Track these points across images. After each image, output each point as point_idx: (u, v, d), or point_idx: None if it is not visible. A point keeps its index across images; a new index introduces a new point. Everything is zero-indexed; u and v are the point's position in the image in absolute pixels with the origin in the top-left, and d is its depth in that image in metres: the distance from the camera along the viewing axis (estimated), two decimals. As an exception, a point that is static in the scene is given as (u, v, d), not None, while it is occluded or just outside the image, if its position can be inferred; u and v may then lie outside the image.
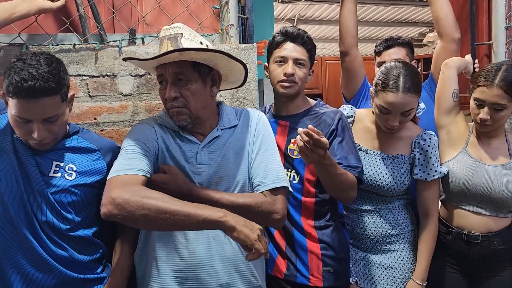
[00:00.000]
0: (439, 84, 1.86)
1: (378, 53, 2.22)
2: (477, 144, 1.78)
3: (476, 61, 2.08)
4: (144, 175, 1.20)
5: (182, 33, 1.29)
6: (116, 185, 1.14)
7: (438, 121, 1.84)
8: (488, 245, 1.70)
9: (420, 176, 1.69)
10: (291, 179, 1.61)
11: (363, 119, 1.82)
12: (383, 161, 1.72)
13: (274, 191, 1.30)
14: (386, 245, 1.72)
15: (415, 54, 2.25)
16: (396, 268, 1.71)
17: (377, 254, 1.74)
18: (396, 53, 2.17)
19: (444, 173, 1.71)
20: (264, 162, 1.35)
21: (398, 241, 1.72)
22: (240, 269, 1.31)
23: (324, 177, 1.46)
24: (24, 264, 1.26)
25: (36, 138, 1.23)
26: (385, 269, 1.72)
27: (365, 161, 1.74)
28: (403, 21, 6.42)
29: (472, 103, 1.72)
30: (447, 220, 1.78)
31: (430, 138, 1.70)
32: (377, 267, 1.73)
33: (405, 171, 1.70)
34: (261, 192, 1.30)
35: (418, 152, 1.69)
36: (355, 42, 2.07)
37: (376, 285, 1.72)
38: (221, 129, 1.38)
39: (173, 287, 1.28)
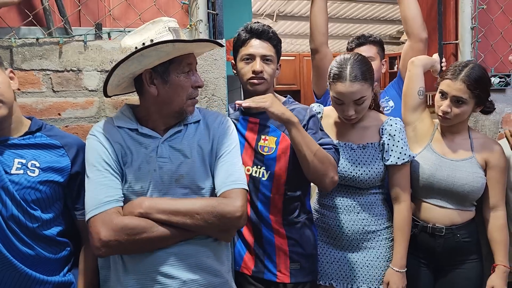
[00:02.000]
0: (406, 82, 1.89)
1: (350, 50, 2.25)
2: (441, 140, 1.83)
3: (443, 59, 2.12)
4: (120, 205, 1.26)
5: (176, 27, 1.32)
6: (102, 225, 1.21)
7: (405, 118, 1.88)
8: (452, 237, 1.75)
9: (391, 161, 1.71)
10: (260, 175, 1.62)
11: (330, 115, 1.85)
12: (354, 151, 1.74)
13: (234, 192, 1.31)
14: (362, 243, 1.74)
15: (392, 52, 2.28)
16: (372, 267, 1.72)
17: (353, 253, 1.75)
18: (368, 50, 2.20)
19: (413, 157, 1.73)
20: (226, 164, 1.35)
21: (374, 238, 1.73)
22: (205, 265, 1.31)
23: (301, 154, 1.48)
24: None
25: None
26: (361, 268, 1.73)
27: None
28: (381, 19, 6.50)
29: (437, 95, 1.77)
30: (414, 214, 1.83)
31: (396, 123, 1.73)
32: (353, 267, 1.74)
33: (377, 159, 1.72)
34: (221, 193, 1.31)
35: (386, 137, 1.72)
36: (325, 40, 2.09)
37: (352, 285, 1.74)
38: (183, 124, 1.38)
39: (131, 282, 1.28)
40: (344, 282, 1.75)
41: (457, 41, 2.18)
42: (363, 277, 1.73)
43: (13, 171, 1.29)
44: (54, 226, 1.35)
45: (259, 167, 1.63)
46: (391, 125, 1.73)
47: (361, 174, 1.71)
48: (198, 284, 1.28)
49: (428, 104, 1.97)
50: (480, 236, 1.83)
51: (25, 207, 1.28)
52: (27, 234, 1.29)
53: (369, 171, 1.71)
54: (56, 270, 1.36)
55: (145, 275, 1.26)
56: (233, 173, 1.34)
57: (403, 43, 6.88)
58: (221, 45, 1.37)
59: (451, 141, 1.82)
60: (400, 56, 2.25)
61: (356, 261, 1.74)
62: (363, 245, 1.74)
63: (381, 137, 1.73)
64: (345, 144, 1.77)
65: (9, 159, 1.30)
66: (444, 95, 1.74)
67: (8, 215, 1.26)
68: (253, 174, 1.63)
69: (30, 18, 1.58)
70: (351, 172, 1.72)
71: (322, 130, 1.65)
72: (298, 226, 1.65)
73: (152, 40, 1.25)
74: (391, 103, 2.17)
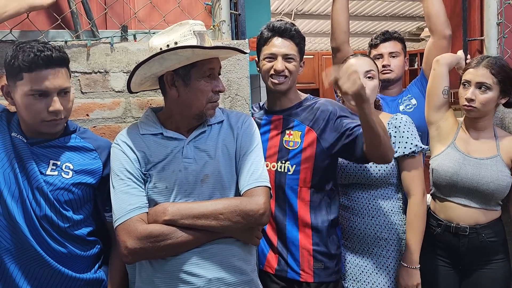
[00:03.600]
0: (430, 80, 1.88)
1: (374, 45, 2.23)
2: (465, 138, 1.81)
3: (468, 56, 2.09)
4: (144, 212, 1.28)
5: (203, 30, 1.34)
6: (127, 234, 1.24)
7: (428, 117, 1.87)
8: (477, 237, 1.72)
9: (398, 153, 1.70)
10: (286, 170, 1.63)
11: None
12: None
13: (257, 190, 1.32)
14: (373, 249, 1.72)
15: (412, 49, 2.27)
16: (381, 275, 1.71)
17: (363, 257, 1.74)
18: (393, 46, 2.19)
19: (423, 148, 1.71)
20: (249, 163, 1.36)
21: (386, 246, 1.72)
22: (230, 264, 1.32)
23: (374, 131, 1.41)
24: (25, 260, 1.28)
25: (55, 109, 1.27)
26: (370, 274, 1.72)
27: None
28: (401, 15, 6.41)
29: (460, 89, 1.76)
30: (437, 213, 1.81)
31: (402, 118, 1.74)
32: (362, 271, 1.73)
33: None
34: (245, 192, 1.32)
35: (392, 130, 1.72)
36: (347, 38, 2.08)
37: None
38: (207, 125, 1.39)
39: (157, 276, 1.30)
40: (353, 284, 1.74)
41: (482, 38, 2.15)
42: (372, 283, 1.71)
43: (48, 172, 1.33)
44: (84, 227, 1.39)
45: (283, 161, 1.64)
46: (396, 118, 1.73)
47: (370, 167, 1.71)
48: (224, 282, 1.29)
49: (451, 101, 1.95)
50: (507, 235, 1.80)
51: (58, 207, 1.32)
52: (59, 233, 1.33)
53: (378, 164, 1.70)
54: (87, 267, 1.39)
55: (171, 275, 1.28)
56: (255, 171, 1.35)
57: (423, 39, 6.78)
58: (244, 52, 1.37)
59: (475, 139, 1.80)
60: (420, 53, 2.23)
61: (366, 266, 1.73)
62: (373, 251, 1.73)
63: (389, 132, 1.72)
64: None
65: (45, 160, 1.34)
66: (467, 84, 1.73)
67: (42, 214, 1.30)
68: (279, 169, 1.65)
69: (58, 22, 1.62)
70: (361, 167, 1.72)
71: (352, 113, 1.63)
72: (324, 225, 1.65)
73: (176, 43, 1.28)
74: (413, 101, 2.15)
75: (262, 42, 1.68)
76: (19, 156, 1.31)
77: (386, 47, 2.17)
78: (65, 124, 1.42)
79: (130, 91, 1.40)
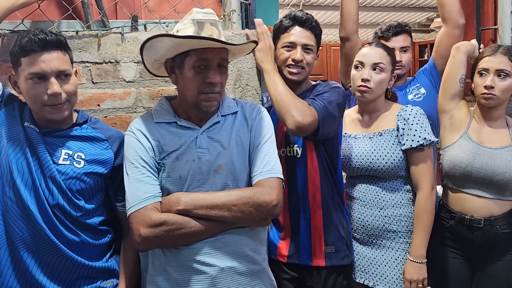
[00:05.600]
0: (448, 68, 1.85)
1: (385, 38, 2.20)
2: (478, 128, 1.78)
3: (482, 46, 2.06)
4: (158, 201, 1.28)
5: (218, 20, 1.33)
6: (141, 222, 1.24)
7: (442, 106, 1.85)
8: (491, 229, 1.70)
9: (406, 146, 1.68)
10: (295, 153, 1.65)
11: (350, 114, 1.89)
12: (371, 140, 1.74)
13: (269, 181, 1.32)
14: (381, 240, 1.72)
15: (422, 40, 2.24)
16: (390, 267, 1.70)
17: (371, 249, 1.74)
18: (404, 40, 2.17)
19: (432, 141, 1.69)
20: (262, 154, 1.36)
21: (394, 238, 1.71)
22: (242, 253, 1.32)
23: (270, 94, 1.59)
24: (38, 248, 1.30)
25: (53, 91, 1.27)
26: (379, 266, 1.72)
27: (356, 146, 1.77)
28: (410, 6, 6.34)
29: (476, 78, 1.74)
30: (450, 205, 1.79)
31: (411, 109, 1.71)
32: (370, 263, 1.73)
33: (393, 144, 1.71)
34: (257, 182, 1.32)
35: (401, 122, 1.70)
36: (356, 27, 2.06)
37: (368, 281, 1.73)
38: (221, 115, 1.39)
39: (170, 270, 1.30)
40: (361, 275, 1.75)
41: (496, 26, 2.12)
42: (381, 275, 1.71)
43: (60, 162, 1.33)
44: (96, 216, 1.40)
45: (291, 146, 1.66)
46: (406, 110, 1.71)
47: (378, 159, 1.70)
48: (236, 271, 1.30)
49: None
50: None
51: (70, 196, 1.33)
52: (71, 222, 1.34)
53: (385, 156, 1.69)
54: (99, 255, 1.40)
55: (184, 264, 1.28)
56: (268, 162, 1.35)
57: (433, 30, 6.71)
58: (233, 45, 1.33)
59: (488, 128, 1.77)
60: (430, 44, 2.21)
61: (374, 258, 1.72)
62: (381, 243, 1.72)
63: (397, 123, 1.71)
64: (363, 135, 1.78)
65: (57, 149, 1.35)
66: (484, 72, 1.70)
67: (55, 203, 1.31)
68: (288, 154, 1.66)
69: (69, 12, 1.62)
70: (368, 159, 1.72)
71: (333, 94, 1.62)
72: (333, 207, 1.66)
73: (178, 31, 1.30)
74: (422, 91, 2.12)
75: (281, 30, 1.67)
76: (32, 146, 1.32)
77: (398, 41, 2.13)
78: (76, 114, 1.43)
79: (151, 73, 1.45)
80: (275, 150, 1.40)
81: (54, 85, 1.28)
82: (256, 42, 1.38)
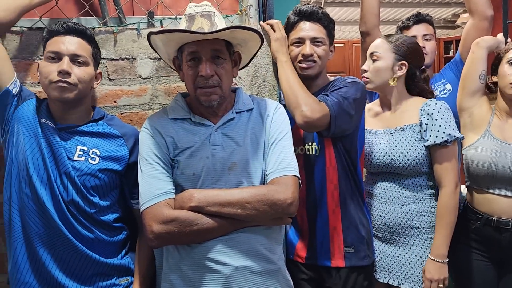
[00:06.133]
0: (467, 64, 1.78)
1: (406, 28, 2.13)
2: (500, 125, 1.71)
3: (509, 40, 1.98)
4: (171, 197, 1.27)
5: (214, 12, 1.31)
6: (153, 218, 1.23)
7: (461, 103, 1.78)
8: None
9: (429, 142, 1.62)
10: (313, 152, 1.61)
11: (372, 108, 1.84)
12: (393, 135, 1.69)
13: (285, 178, 1.28)
14: (404, 238, 1.67)
15: (447, 36, 2.17)
16: (414, 265, 1.65)
17: (394, 247, 1.69)
18: (426, 29, 2.10)
19: (457, 137, 1.61)
20: (278, 151, 1.33)
21: (418, 235, 1.65)
22: (257, 252, 1.30)
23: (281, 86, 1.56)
24: (54, 244, 1.31)
25: (62, 68, 1.29)
26: (403, 264, 1.66)
27: (377, 142, 1.72)
28: (435, 2, 6.18)
29: (506, 68, 1.67)
30: (475, 206, 1.72)
31: (436, 104, 1.65)
32: (394, 261, 1.68)
33: (415, 140, 1.65)
34: (272, 179, 1.29)
35: (424, 117, 1.64)
36: (377, 22, 2.01)
37: (393, 280, 1.68)
38: (236, 112, 1.37)
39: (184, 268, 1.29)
40: (385, 275, 1.70)
41: (525, 19, 2.03)
42: (405, 274, 1.65)
43: (75, 158, 1.34)
44: (111, 213, 1.40)
45: (310, 143, 1.62)
46: (430, 104, 1.65)
47: (399, 156, 1.64)
48: (250, 270, 1.27)
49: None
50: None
51: (84, 193, 1.33)
52: (86, 218, 1.34)
53: (407, 153, 1.64)
54: (114, 252, 1.40)
55: (197, 262, 1.27)
56: (284, 160, 1.32)
57: (459, 26, 6.53)
58: (195, 33, 1.24)
59: (511, 124, 1.70)
60: (456, 41, 2.13)
61: (398, 256, 1.67)
62: (405, 240, 1.67)
63: (420, 118, 1.65)
64: (383, 130, 1.73)
65: (72, 146, 1.35)
66: None
67: (69, 199, 1.31)
68: (307, 152, 1.62)
69: (86, 9, 1.62)
70: (389, 156, 1.66)
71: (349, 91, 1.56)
72: (353, 205, 1.61)
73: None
74: (448, 87, 2.05)
75: (289, 27, 1.64)
76: (48, 142, 1.32)
77: (419, 30, 2.07)
78: (93, 111, 1.43)
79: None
80: (291, 148, 1.37)
81: (65, 64, 1.30)
82: (255, 31, 1.31)
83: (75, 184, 1.32)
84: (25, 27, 1.55)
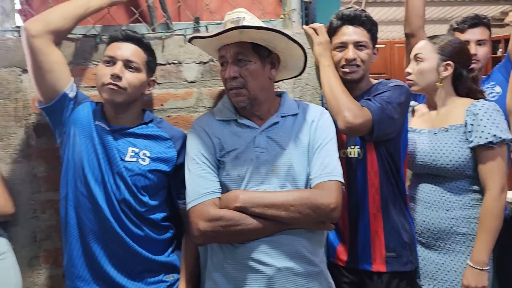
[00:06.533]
0: None
1: (460, 30, 2.07)
2: None
3: None
4: (217, 197, 1.31)
5: (244, 17, 1.33)
6: (199, 216, 1.27)
7: (511, 105, 1.72)
8: None
9: (474, 143, 1.56)
10: (356, 155, 1.61)
11: (419, 108, 1.82)
12: (436, 135, 1.66)
13: (329, 184, 1.29)
14: (450, 244, 1.62)
15: (496, 35, 2.09)
16: (461, 273, 1.59)
17: (439, 253, 1.64)
18: (481, 33, 2.03)
19: (504, 139, 1.54)
20: (322, 156, 1.34)
21: (465, 242, 1.60)
22: (300, 254, 1.31)
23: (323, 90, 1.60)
24: (106, 240, 1.38)
25: (114, 72, 1.36)
26: (448, 271, 1.62)
27: (420, 141, 1.70)
28: (482, -1, 5.97)
29: None
30: None
31: (483, 104, 1.59)
32: (439, 269, 1.63)
33: (459, 141, 1.60)
34: (316, 184, 1.30)
35: (470, 117, 1.59)
36: (422, 23, 1.97)
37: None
38: (281, 116, 1.39)
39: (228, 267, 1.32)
40: (429, 282, 1.65)
41: None
42: (451, 282, 1.60)
43: (127, 158, 1.40)
44: (159, 212, 1.45)
45: (352, 147, 1.62)
46: (476, 105, 1.60)
47: (441, 157, 1.61)
48: (293, 272, 1.29)
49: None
50: None
51: (135, 192, 1.39)
52: (136, 217, 1.40)
53: (450, 154, 1.59)
54: (161, 250, 1.46)
55: (241, 262, 1.30)
56: (328, 165, 1.33)
57: (507, 25, 6.25)
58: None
59: None
60: (505, 40, 2.04)
61: (443, 263, 1.63)
62: (450, 246, 1.62)
63: (465, 119, 1.61)
64: (428, 130, 1.70)
65: (124, 147, 1.42)
66: None
67: (121, 198, 1.38)
68: (349, 155, 1.63)
69: (136, 16, 1.69)
70: (431, 156, 1.63)
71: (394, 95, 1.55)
72: (395, 210, 1.59)
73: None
74: (497, 89, 1.98)
75: (331, 31, 1.65)
76: (102, 143, 1.40)
77: (474, 34, 2.00)
78: (143, 114, 1.49)
79: None
80: (336, 153, 1.38)
81: (117, 68, 1.37)
82: (281, 32, 1.31)
83: (127, 184, 1.38)
84: (80, 34, 1.63)
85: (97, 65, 1.60)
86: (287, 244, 1.29)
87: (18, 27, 1.65)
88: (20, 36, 1.52)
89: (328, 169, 1.32)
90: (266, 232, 1.28)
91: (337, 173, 1.33)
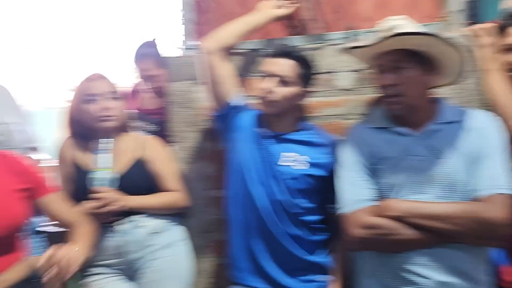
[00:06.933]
0: None
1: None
2: None
3: None
4: (371, 204, 1.31)
5: (401, 23, 1.33)
6: (353, 223, 1.29)
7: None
8: None
9: None
10: None
11: None
12: None
13: (497, 197, 1.20)
14: None
15: None
16: None
17: None
18: None
19: None
20: (490, 167, 1.25)
21: None
22: (461, 270, 1.25)
23: None
24: (264, 237, 1.50)
25: (266, 88, 1.47)
26: None
27: None
28: None
29: None
30: None
31: None
32: None
33: None
34: (482, 197, 1.22)
35: None
36: None
37: None
38: (440, 123, 1.33)
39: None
40: None
41: None
42: None
43: (285, 163, 1.51)
44: (313, 214, 1.53)
45: None
46: None
47: None
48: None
49: None
50: None
51: (292, 194, 1.49)
52: (292, 217, 1.50)
53: None
54: (314, 251, 1.53)
55: (395, 272, 1.29)
56: (496, 176, 1.24)
57: None
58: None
59: None
60: None
61: None
62: None
63: None
64: None
65: (284, 152, 1.53)
66: None
67: (279, 199, 1.49)
68: None
69: (295, 29, 1.79)
70: None
71: None
72: None
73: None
74: None
75: (499, 31, 1.51)
76: (261, 147, 1.53)
77: None
78: (301, 121, 1.58)
79: None
80: (506, 163, 1.27)
81: (270, 83, 1.48)
82: (435, 36, 1.25)
83: (285, 187, 1.49)
84: (247, 49, 1.79)
85: (258, 77, 1.74)
86: (448, 258, 1.24)
87: (191, 45, 1.89)
88: (191, 53, 1.74)
89: (496, 181, 1.23)
90: (424, 244, 1.24)
91: (506, 185, 1.22)
